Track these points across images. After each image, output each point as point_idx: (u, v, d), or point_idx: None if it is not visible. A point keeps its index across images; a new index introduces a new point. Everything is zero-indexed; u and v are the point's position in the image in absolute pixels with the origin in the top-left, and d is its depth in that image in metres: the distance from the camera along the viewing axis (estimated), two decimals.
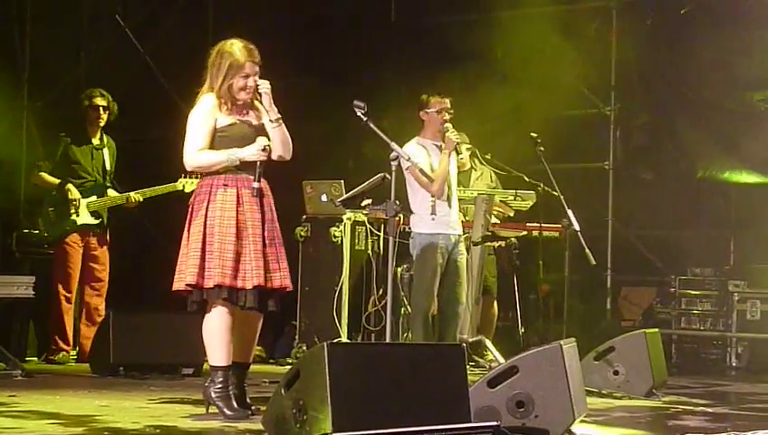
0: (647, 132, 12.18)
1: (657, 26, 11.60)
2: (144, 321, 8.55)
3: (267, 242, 6.21)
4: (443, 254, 8.26)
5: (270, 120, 6.30)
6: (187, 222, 6.23)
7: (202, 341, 6.26)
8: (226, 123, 6.25)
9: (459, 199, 8.89)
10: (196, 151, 6.21)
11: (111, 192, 9.49)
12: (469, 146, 9.87)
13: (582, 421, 5.84)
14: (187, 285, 6.10)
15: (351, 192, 8.29)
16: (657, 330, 8.44)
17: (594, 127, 11.92)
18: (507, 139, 10.46)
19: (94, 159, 9.52)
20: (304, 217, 9.90)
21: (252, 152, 6.19)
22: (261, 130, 6.31)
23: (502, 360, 8.44)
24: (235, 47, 6.26)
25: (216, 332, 6.16)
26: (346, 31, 12.15)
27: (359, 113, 7.33)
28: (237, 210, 6.15)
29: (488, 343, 9.23)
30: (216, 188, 6.18)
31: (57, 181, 9.36)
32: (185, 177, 8.78)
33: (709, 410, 7.30)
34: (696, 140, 11.36)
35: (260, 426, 5.16)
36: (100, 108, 9.49)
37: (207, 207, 6.15)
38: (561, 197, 8.76)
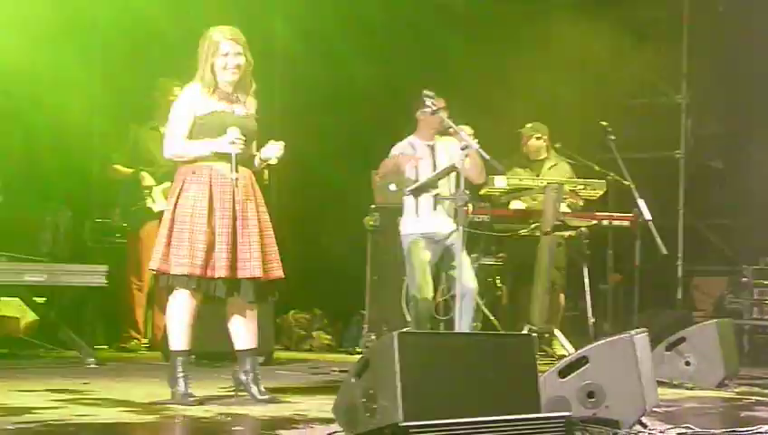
0: (718, 121, 12.06)
1: (730, 13, 11.47)
2: (215, 308, 8.56)
3: (240, 232, 6.12)
4: (430, 249, 8.30)
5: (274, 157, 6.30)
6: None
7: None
8: (206, 112, 6.17)
9: (530, 189, 8.92)
10: (176, 140, 6.19)
11: None
12: (539, 135, 9.85)
13: (653, 412, 5.80)
14: (153, 269, 6.16)
15: (421, 181, 8.28)
16: (729, 320, 8.36)
17: (665, 115, 11.82)
18: (576, 127, 10.39)
19: None
20: (373, 206, 9.90)
21: (220, 144, 6.08)
22: (248, 122, 6.25)
23: (572, 350, 8.41)
24: (213, 29, 6.19)
25: (177, 316, 6.29)
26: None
27: (428, 102, 7.31)
28: (210, 200, 6.09)
29: (558, 332, 9.21)
30: (188, 178, 6.15)
31: (131, 171, 9.44)
32: None
33: None
34: None
35: (330, 414, 5.17)
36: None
37: (179, 196, 6.13)
38: (633, 186, 8.69)
